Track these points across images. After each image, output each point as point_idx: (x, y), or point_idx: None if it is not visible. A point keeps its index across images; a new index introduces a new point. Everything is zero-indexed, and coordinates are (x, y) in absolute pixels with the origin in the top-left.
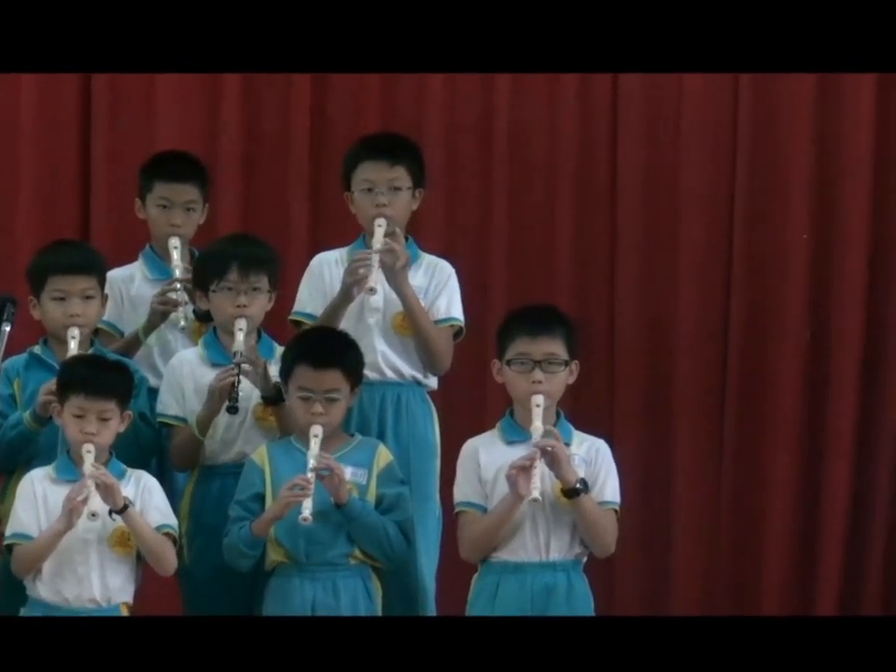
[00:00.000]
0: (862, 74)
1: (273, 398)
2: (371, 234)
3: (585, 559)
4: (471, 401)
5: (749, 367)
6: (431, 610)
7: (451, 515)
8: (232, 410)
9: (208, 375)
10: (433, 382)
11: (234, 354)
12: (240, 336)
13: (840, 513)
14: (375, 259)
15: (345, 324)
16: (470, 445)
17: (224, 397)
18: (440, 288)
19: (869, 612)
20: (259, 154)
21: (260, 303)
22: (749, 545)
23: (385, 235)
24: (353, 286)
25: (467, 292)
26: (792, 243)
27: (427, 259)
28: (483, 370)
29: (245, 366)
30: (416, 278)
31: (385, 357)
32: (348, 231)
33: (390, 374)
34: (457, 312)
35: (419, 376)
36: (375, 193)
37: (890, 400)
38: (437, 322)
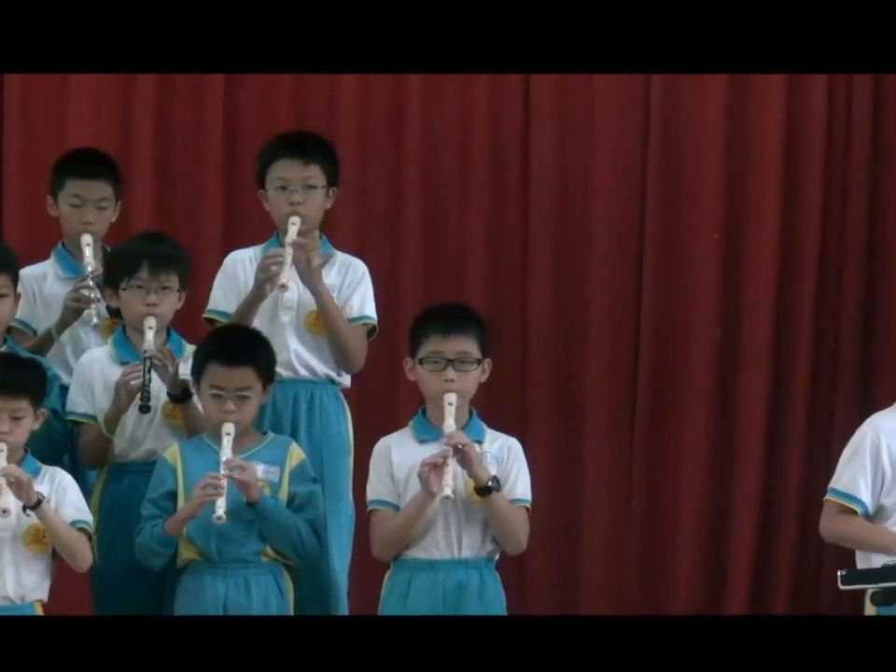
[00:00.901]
0: (773, 74)
1: (180, 396)
2: (285, 232)
3: (497, 556)
4: (384, 399)
5: (660, 365)
6: (344, 608)
7: (364, 513)
8: (145, 409)
9: (117, 373)
10: (346, 380)
11: (144, 352)
12: (149, 335)
13: (750, 512)
14: (288, 256)
15: (259, 322)
16: (383, 444)
17: (132, 395)
18: (353, 287)
19: (778, 612)
20: (172, 153)
21: (170, 302)
22: (659, 543)
23: (300, 233)
24: (265, 283)
25: (379, 290)
26: (703, 242)
27: (341, 258)
28: (396, 368)
29: (157, 362)
30: (330, 276)
31: (298, 356)
32: (262, 230)
33: (303, 373)
34: (370, 310)
35: (332, 374)
36: (289, 191)
37: (801, 399)
38: (350, 320)
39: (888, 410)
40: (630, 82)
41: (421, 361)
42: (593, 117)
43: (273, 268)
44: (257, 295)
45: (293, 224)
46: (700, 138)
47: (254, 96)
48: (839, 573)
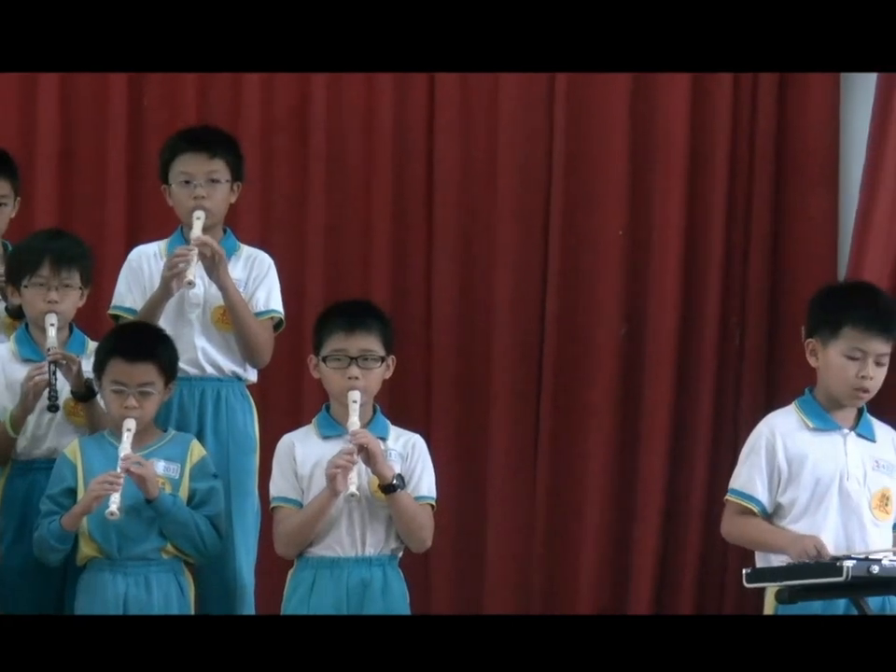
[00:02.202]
0: (677, 73)
1: (83, 394)
2: (190, 227)
3: (401, 554)
4: (289, 396)
5: (565, 362)
6: (250, 606)
7: (269, 510)
8: (54, 408)
9: (20, 371)
10: (253, 375)
11: (47, 351)
12: (51, 332)
13: (655, 510)
14: (194, 253)
15: (165, 319)
16: (287, 440)
17: (38, 395)
18: (259, 281)
19: (682, 611)
20: (76, 150)
21: (72, 299)
22: (564, 542)
23: (204, 228)
24: (171, 280)
25: (284, 288)
26: (608, 239)
27: (247, 252)
28: (301, 365)
29: (61, 361)
30: (235, 271)
31: (204, 353)
32: (166, 226)
33: (210, 370)
34: (277, 304)
35: (239, 371)
36: (193, 186)
37: (706, 395)
38: (257, 314)
39: (784, 409)
40: (534, 81)
41: (325, 359)
42: (497, 116)
43: (181, 265)
44: (164, 292)
45: (197, 219)
46: (605, 136)
47: (158, 94)
48: (744, 571)
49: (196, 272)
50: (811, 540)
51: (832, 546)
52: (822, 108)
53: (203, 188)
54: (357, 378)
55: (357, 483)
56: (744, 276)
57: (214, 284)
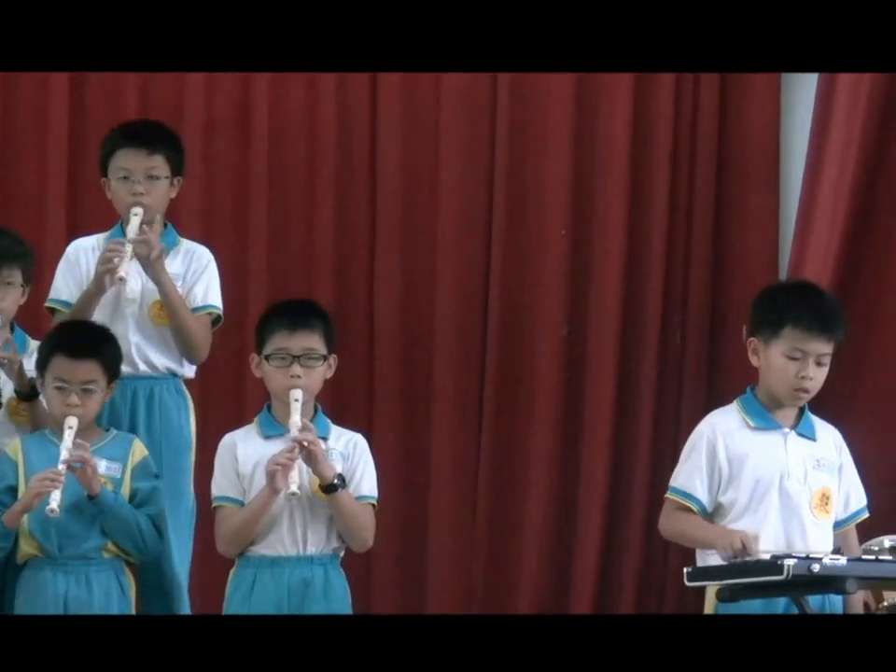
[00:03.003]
0: (619, 74)
1: (27, 393)
2: (128, 222)
3: (342, 553)
4: (231, 395)
5: (508, 362)
6: (185, 604)
7: (209, 509)
8: None
9: None
10: (190, 371)
11: None
12: None
13: (596, 511)
14: (129, 248)
15: (102, 314)
16: (228, 439)
17: None
18: (197, 275)
19: (623, 611)
20: (15, 147)
21: (13, 297)
22: (505, 542)
23: (142, 223)
24: (104, 275)
25: (226, 286)
26: (550, 240)
27: (186, 246)
28: (243, 363)
29: (3, 360)
30: (174, 265)
31: (139, 350)
32: (107, 222)
33: (143, 368)
34: (215, 299)
35: (175, 367)
36: (132, 181)
37: (647, 397)
38: (194, 310)
39: (725, 408)
40: (477, 82)
41: (267, 358)
42: (440, 117)
43: (115, 260)
44: (97, 287)
45: (135, 215)
46: (547, 137)
47: (100, 93)
48: (685, 570)
49: (132, 268)
50: (738, 535)
51: (772, 545)
52: (763, 109)
53: (141, 184)
54: (298, 377)
55: (298, 482)
56: (685, 277)
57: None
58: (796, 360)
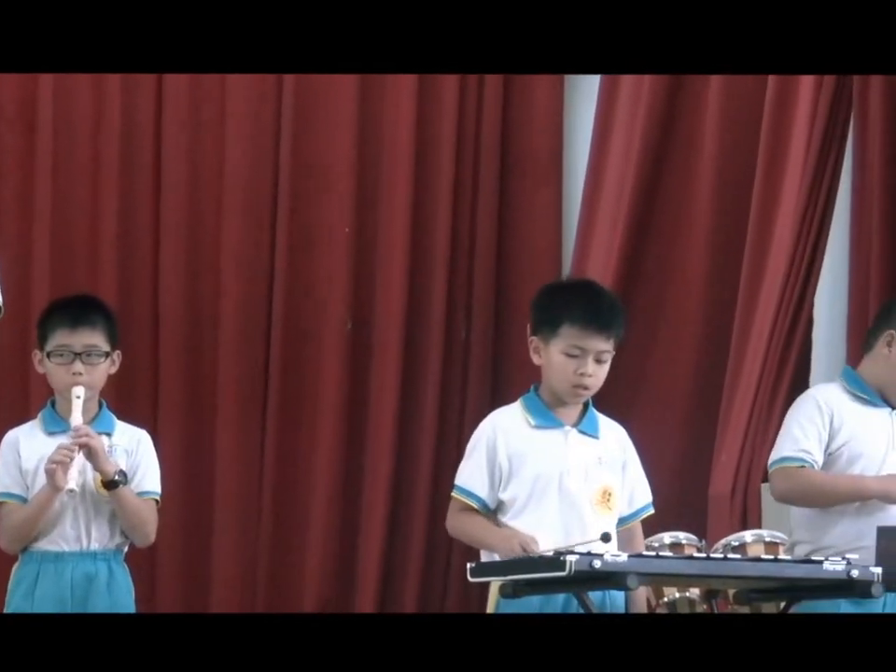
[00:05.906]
0: (403, 75)
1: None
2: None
3: (126, 548)
4: (15, 391)
5: (292, 356)
6: None
7: None
8: None
9: None
10: None
11: None
12: None
13: (380, 508)
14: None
15: None
16: (11, 435)
17: None
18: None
19: (407, 609)
20: None
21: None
22: (290, 539)
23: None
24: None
25: (8, 282)
26: (335, 237)
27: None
28: (26, 358)
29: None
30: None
31: None
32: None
33: None
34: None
35: None
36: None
37: (431, 392)
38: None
39: (509, 406)
40: (262, 81)
41: (49, 354)
42: (224, 115)
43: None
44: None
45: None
46: (332, 136)
47: None
48: (468, 565)
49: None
50: (517, 539)
51: (551, 542)
52: (547, 109)
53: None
54: (80, 374)
55: (78, 480)
56: (470, 272)
57: None
58: (575, 358)
